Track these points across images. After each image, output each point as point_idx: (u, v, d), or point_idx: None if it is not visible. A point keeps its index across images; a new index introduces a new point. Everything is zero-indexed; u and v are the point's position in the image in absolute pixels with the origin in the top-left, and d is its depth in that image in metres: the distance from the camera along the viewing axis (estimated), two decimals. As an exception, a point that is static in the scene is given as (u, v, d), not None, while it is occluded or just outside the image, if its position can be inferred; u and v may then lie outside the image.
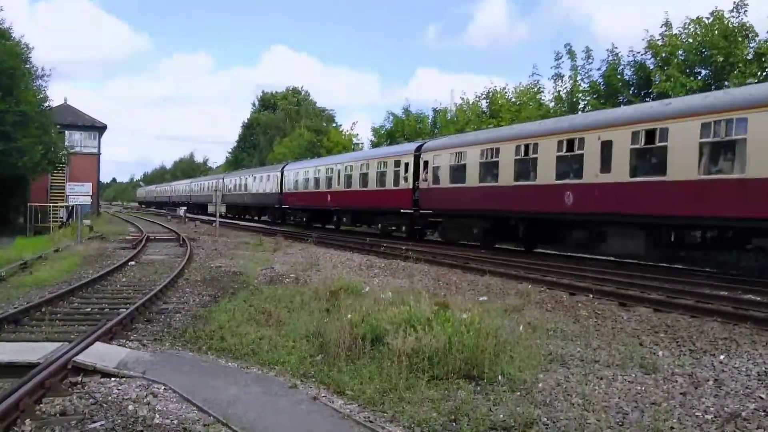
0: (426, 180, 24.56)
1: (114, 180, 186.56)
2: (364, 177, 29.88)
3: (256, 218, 48.80)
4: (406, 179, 26.17)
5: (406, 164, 26.26)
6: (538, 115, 29.17)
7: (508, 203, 19.81)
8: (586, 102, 28.52)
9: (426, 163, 24.85)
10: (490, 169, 21.14)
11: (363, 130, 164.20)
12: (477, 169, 21.60)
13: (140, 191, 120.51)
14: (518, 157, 19.59)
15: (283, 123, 71.27)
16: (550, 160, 18.24)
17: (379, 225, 29.62)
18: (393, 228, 28.51)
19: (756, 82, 20.72)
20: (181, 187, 77.07)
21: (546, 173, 18.41)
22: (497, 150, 20.69)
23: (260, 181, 45.76)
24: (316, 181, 35.56)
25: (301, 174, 38.21)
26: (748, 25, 23.52)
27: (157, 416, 5.23)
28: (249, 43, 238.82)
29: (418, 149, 25.87)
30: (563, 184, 17.71)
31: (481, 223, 21.70)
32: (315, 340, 7.75)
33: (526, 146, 19.33)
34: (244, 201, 50.47)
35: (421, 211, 25.00)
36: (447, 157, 23.53)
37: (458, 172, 22.71)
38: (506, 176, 20.10)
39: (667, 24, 25.97)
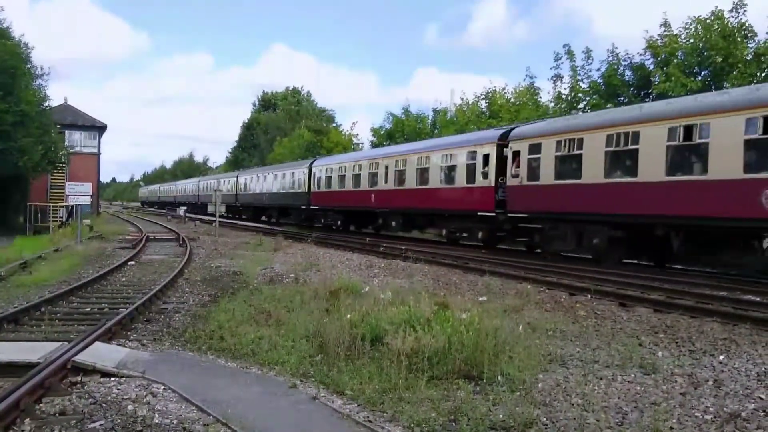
0: (517, 175, 19.49)
1: (114, 180, 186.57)
2: (422, 172, 24.84)
3: (274, 220, 43.88)
4: (485, 175, 21.00)
5: (486, 156, 21.07)
6: (536, 116, 29.13)
7: (656, 205, 14.91)
8: (586, 102, 28.51)
9: (517, 153, 19.70)
10: (622, 160, 16.23)
11: (363, 130, 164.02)
12: (601, 161, 16.47)
13: (143, 191, 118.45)
14: (673, 144, 14.60)
15: (283, 123, 71.29)
16: (734, 146, 13.26)
17: (443, 230, 24.57)
18: (464, 234, 23.29)
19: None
20: (188, 186, 71.41)
21: (725, 164, 13.46)
22: (635, 135, 15.52)
23: (283, 179, 40.61)
24: (356, 178, 30.56)
25: (335, 170, 33.19)
26: (747, 24, 23.55)
27: (157, 416, 5.24)
28: (248, 42, 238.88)
29: (504, 137, 20.73)
30: (759, 180, 12.84)
31: (605, 230, 16.69)
32: (314, 340, 7.75)
33: (688, 128, 14.26)
34: (262, 201, 45.38)
35: (510, 215, 19.79)
36: (551, 145, 18.26)
37: (569, 164, 17.77)
38: (652, 169, 15.01)
39: (666, 24, 26.02)
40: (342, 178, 32.31)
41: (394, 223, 28.14)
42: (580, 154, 17.26)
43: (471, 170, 21.84)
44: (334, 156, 39.62)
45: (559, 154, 18.04)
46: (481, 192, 21.16)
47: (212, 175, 73.87)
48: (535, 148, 19.00)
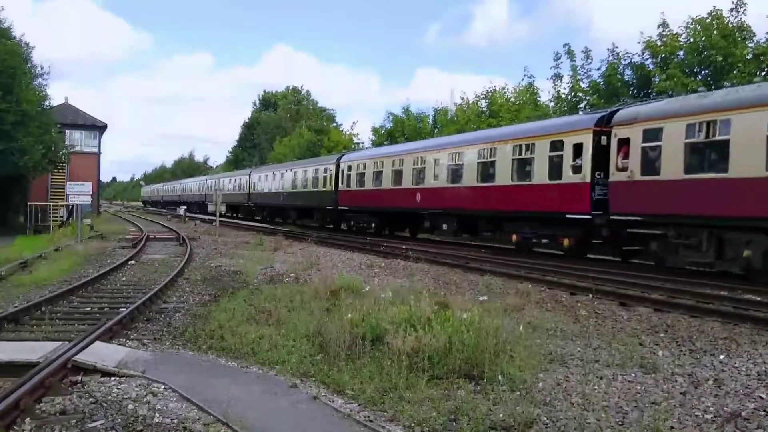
0: (626, 168, 15.73)
1: (114, 179, 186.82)
2: (485, 167, 21.09)
3: (290, 221, 40.69)
4: (576, 169, 17.22)
5: (577, 146, 17.27)
6: (536, 115, 29.10)
7: None
8: (586, 101, 28.48)
9: (624, 142, 15.94)
10: None
11: (363, 129, 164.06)
12: (761, 148, 12.72)
13: (145, 190, 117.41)
14: None
15: (283, 122, 71.29)
16: None
17: (513, 236, 20.44)
18: (544, 241, 19.52)
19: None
20: (194, 185, 68.28)
21: None
22: None
23: (305, 176, 36.88)
24: (397, 174, 26.63)
25: (369, 166, 29.32)
26: (746, 25, 23.55)
27: (157, 415, 5.24)
28: (250, 42, 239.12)
29: (604, 122, 16.85)
30: None
31: (762, 239, 13.13)
32: (315, 340, 7.75)
33: None
34: (279, 201, 41.12)
35: (613, 217, 16.14)
36: (678, 129, 14.46)
37: (708, 153, 14.29)
38: None
39: (664, 24, 25.99)
40: (378, 174, 28.34)
41: (445, 226, 24.00)
42: (726, 140, 13.51)
43: (556, 164, 18.10)
44: (368, 150, 36.17)
45: (691, 140, 14.29)
46: (570, 190, 17.43)
47: (220, 173, 71.54)
48: (652, 134, 15.19)
